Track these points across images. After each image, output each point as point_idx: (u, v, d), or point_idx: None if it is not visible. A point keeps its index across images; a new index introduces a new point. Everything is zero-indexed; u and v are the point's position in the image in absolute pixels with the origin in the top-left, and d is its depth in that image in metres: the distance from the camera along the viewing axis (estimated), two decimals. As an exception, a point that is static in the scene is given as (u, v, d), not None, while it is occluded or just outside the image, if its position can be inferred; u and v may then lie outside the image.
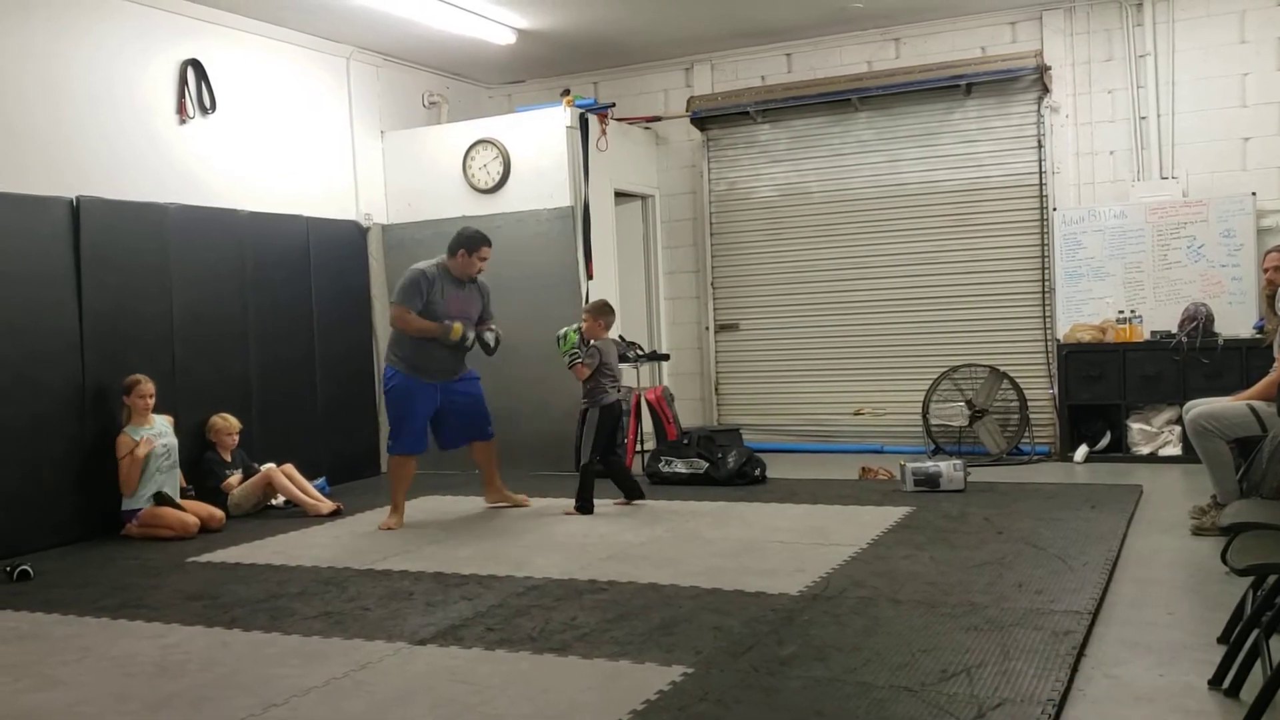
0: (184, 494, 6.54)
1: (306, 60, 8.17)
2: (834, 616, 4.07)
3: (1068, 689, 3.28)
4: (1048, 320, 8.26)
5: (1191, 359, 7.48)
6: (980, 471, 7.27)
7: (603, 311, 6.70)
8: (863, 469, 7.55)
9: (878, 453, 8.47)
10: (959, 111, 8.47)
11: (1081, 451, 7.82)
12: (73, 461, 6.30)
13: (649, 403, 8.22)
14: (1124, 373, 7.73)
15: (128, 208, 6.70)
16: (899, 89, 8.47)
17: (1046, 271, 8.26)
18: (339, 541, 6.00)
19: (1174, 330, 7.63)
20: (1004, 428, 8.21)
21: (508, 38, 8.26)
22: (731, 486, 7.18)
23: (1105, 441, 7.88)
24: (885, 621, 3.99)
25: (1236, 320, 7.54)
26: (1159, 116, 7.91)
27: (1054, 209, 8.17)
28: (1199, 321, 7.50)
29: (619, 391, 6.74)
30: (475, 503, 6.98)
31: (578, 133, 8.23)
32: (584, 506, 6.45)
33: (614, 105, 8.82)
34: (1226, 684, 3.20)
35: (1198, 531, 5.30)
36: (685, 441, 7.69)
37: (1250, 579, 3.44)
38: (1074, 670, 3.44)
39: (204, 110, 7.32)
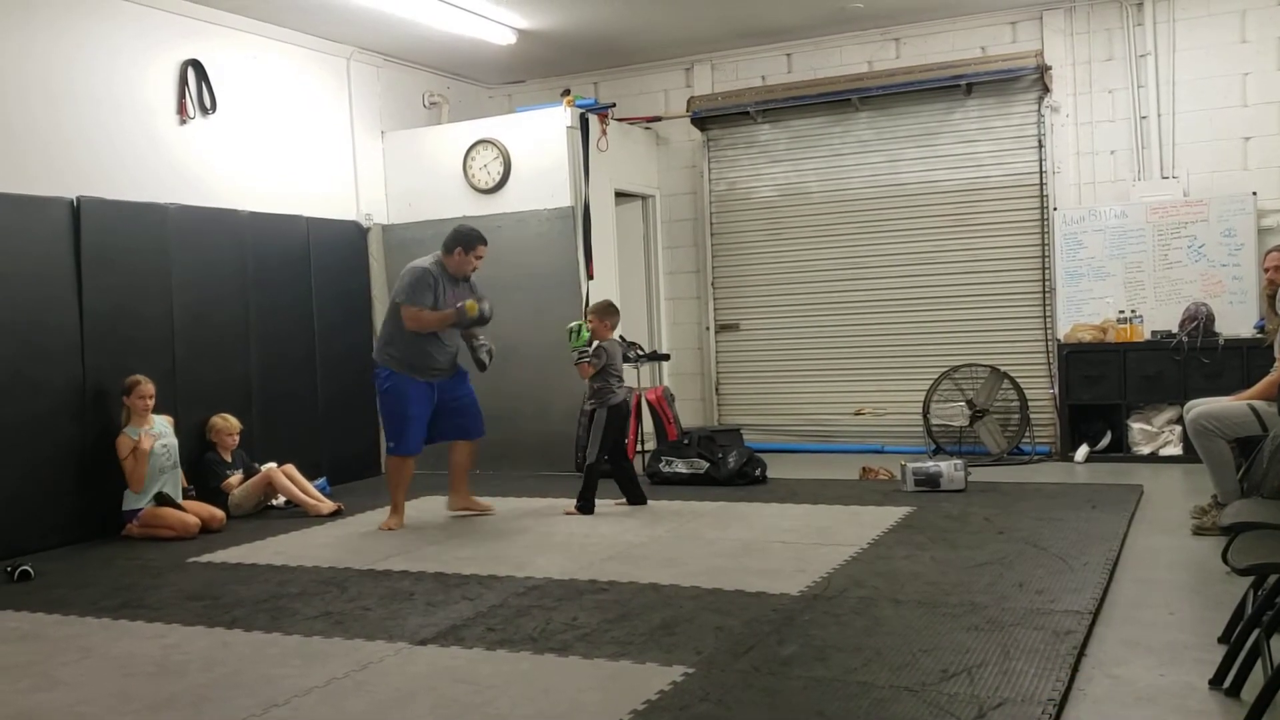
0: (186, 494, 6.55)
1: (307, 60, 8.18)
2: (835, 616, 4.07)
3: (1068, 689, 3.28)
4: (1048, 320, 8.26)
5: (1192, 359, 7.48)
6: (981, 471, 7.27)
7: (608, 312, 6.70)
8: (863, 469, 7.55)
9: (878, 453, 8.47)
10: (959, 111, 8.47)
11: (1082, 451, 7.81)
12: (73, 462, 6.30)
13: (649, 403, 8.22)
14: (1125, 372, 7.73)
15: (128, 208, 6.70)
16: (899, 89, 8.47)
17: (1047, 271, 8.26)
18: (340, 542, 6.00)
19: (1175, 330, 7.63)
20: (1005, 428, 8.21)
21: (508, 38, 8.26)
22: (732, 487, 7.18)
23: (1106, 441, 7.88)
24: (886, 621, 3.99)
25: (1237, 320, 7.54)
26: (1159, 116, 7.91)
27: (1054, 209, 8.17)
28: (1200, 321, 7.50)
29: (625, 392, 6.73)
30: (476, 503, 6.98)
31: (578, 133, 8.23)
32: (585, 506, 6.45)
33: (614, 105, 8.82)
34: (1227, 684, 3.20)
35: (1198, 531, 5.30)
36: (686, 441, 7.69)
37: (1251, 579, 3.45)
38: (1075, 670, 3.44)
39: (204, 111, 7.32)
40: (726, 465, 7.32)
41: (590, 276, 8.21)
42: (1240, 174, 7.73)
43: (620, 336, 6.77)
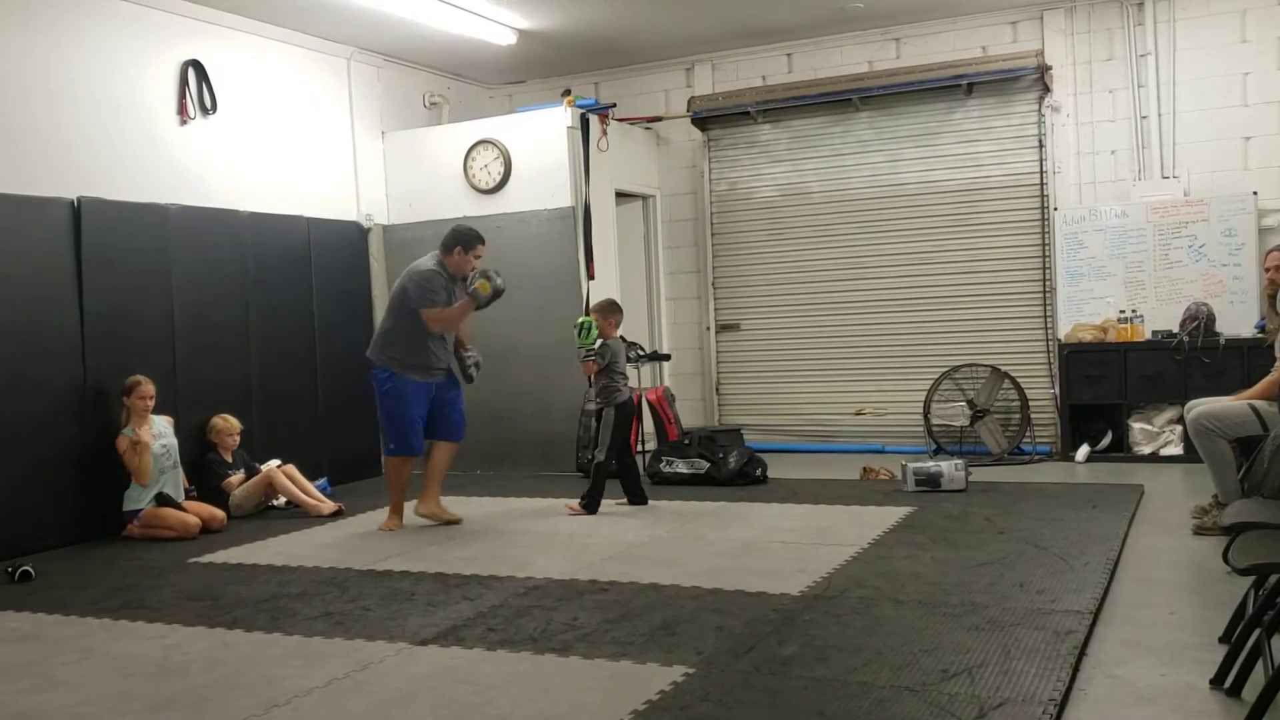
0: (187, 495, 6.55)
1: (307, 61, 8.18)
2: (835, 616, 4.07)
3: (1069, 689, 3.28)
4: (1049, 320, 8.26)
5: (1193, 358, 7.48)
6: (981, 471, 7.27)
7: (611, 310, 6.69)
8: (864, 469, 7.55)
9: (879, 453, 8.47)
10: (960, 111, 8.47)
11: (1083, 451, 7.81)
12: (74, 462, 6.30)
13: (650, 403, 8.22)
14: (1125, 372, 7.73)
15: (128, 208, 6.70)
16: (900, 89, 8.47)
17: (1047, 271, 8.26)
18: (340, 542, 6.00)
19: (1175, 330, 7.63)
20: (1005, 427, 8.21)
21: (508, 38, 8.26)
22: (733, 487, 7.18)
23: (1106, 441, 7.88)
24: (886, 621, 3.99)
25: (1238, 320, 7.54)
26: (1160, 116, 7.91)
27: (1055, 208, 8.17)
28: (1200, 321, 7.49)
29: (629, 390, 6.73)
30: (475, 503, 6.98)
31: (578, 133, 8.23)
32: (590, 505, 6.44)
33: (615, 105, 8.82)
34: (1228, 684, 3.20)
35: (1199, 531, 5.29)
36: (686, 442, 7.69)
37: (1252, 578, 3.44)
38: (1075, 670, 3.44)
39: (205, 111, 7.32)
40: (727, 465, 7.32)
41: (591, 277, 8.21)
42: (1241, 174, 7.73)
43: (620, 336, 6.76)
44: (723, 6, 7.97)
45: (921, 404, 8.27)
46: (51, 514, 6.16)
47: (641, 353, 8.18)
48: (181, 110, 7.18)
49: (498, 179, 8.40)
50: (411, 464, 6.35)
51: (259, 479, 6.91)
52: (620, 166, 8.80)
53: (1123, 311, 7.84)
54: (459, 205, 8.47)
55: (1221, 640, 3.60)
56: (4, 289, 6.01)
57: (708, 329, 9.42)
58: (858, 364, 8.88)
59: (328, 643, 4.07)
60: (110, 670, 3.89)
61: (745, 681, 3.42)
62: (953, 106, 8.47)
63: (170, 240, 6.93)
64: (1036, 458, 8.08)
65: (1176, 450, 7.57)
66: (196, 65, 7.26)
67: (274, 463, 7.07)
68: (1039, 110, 8.25)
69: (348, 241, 8.43)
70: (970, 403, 8.11)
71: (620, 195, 8.90)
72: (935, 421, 8.23)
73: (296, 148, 8.04)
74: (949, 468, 6.68)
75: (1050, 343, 8.24)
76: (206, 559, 5.68)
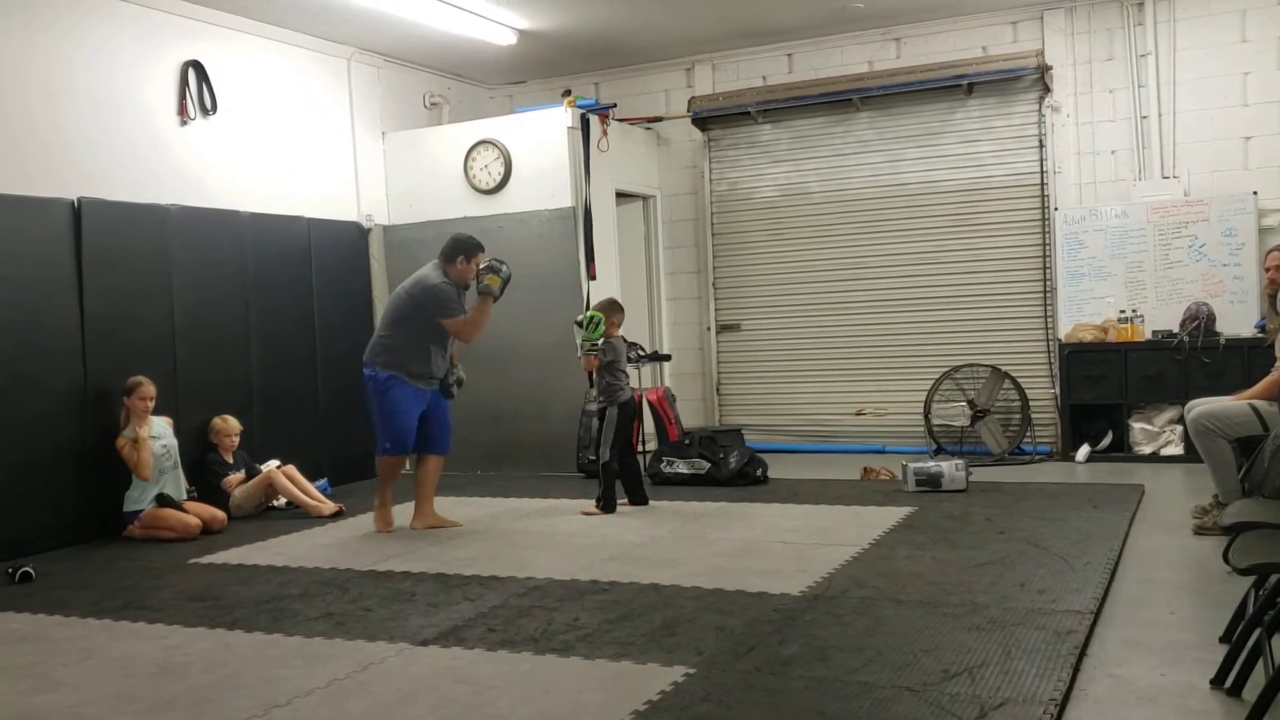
0: (189, 496, 6.55)
1: (307, 61, 8.18)
2: (836, 617, 4.07)
3: (1070, 689, 3.28)
4: (1049, 320, 8.26)
5: (1193, 358, 7.48)
6: (982, 471, 7.27)
7: (613, 310, 6.69)
8: (864, 469, 7.55)
9: (879, 453, 8.47)
10: (960, 111, 8.47)
11: (1083, 451, 7.81)
12: (74, 463, 6.30)
13: (651, 403, 8.22)
14: (1125, 372, 7.73)
15: (129, 209, 6.70)
16: (900, 89, 8.47)
17: (1048, 271, 8.26)
18: (341, 543, 6.00)
19: (1175, 330, 7.63)
20: (1006, 428, 8.21)
21: (508, 38, 8.26)
22: (733, 487, 7.18)
23: (1107, 441, 7.87)
24: (887, 621, 3.99)
25: (1238, 320, 7.54)
26: (1160, 116, 7.91)
27: (1055, 208, 8.17)
28: (1200, 321, 7.49)
29: (630, 390, 6.73)
30: (476, 504, 6.98)
31: (579, 133, 8.23)
32: (607, 505, 6.44)
33: (615, 106, 8.82)
34: (1229, 684, 3.20)
35: (1199, 531, 5.29)
36: (687, 442, 7.69)
37: (1252, 578, 3.44)
38: (1076, 670, 3.44)
39: (205, 111, 7.32)
40: (728, 465, 7.32)
41: (593, 277, 8.20)
42: (1241, 173, 7.73)
43: (621, 336, 6.76)
44: (723, 6, 7.97)
45: (922, 404, 8.27)
46: (52, 515, 6.16)
47: (642, 353, 8.18)
48: (182, 111, 7.18)
49: (498, 179, 8.40)
50: (403, 463, 6.35)
51: (259, 480, 6.92)
52: (621, 167, 8.80)
53: (1123, 311, 7.84)
54: (459, 206, 8.47)
55: (1222, 640, 3.60)
56: (5, 289, 6.01)
57: (708, 329, 9.42)
58: (858, 364, 8.88)
59: (328, 643, 4.07)
60: (111, 671, 3.89)
61: (746, 682, 3.42)
62: (953, 106, 8.47)
63: (171, 241, 6.94)
64: (1037, 458, 8.08)
65: (1177, 450, 7.57)
66: (197, 66, 7.26)
67: (273, 463, 7.07)
68: (1039, 110, 8.25)
69: (348, 242, 8.43)
70: (971, 403, 8.11)
71: (621, 195, 8.90)
72: (936, 421, 8.23)
73: (297, 148, 8.05)
74: (950, 468, 6.68)
75: (1051, 343, 8.24)
76: (207, 560, 5.68)
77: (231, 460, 6.99)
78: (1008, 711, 3.07)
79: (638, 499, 6.64)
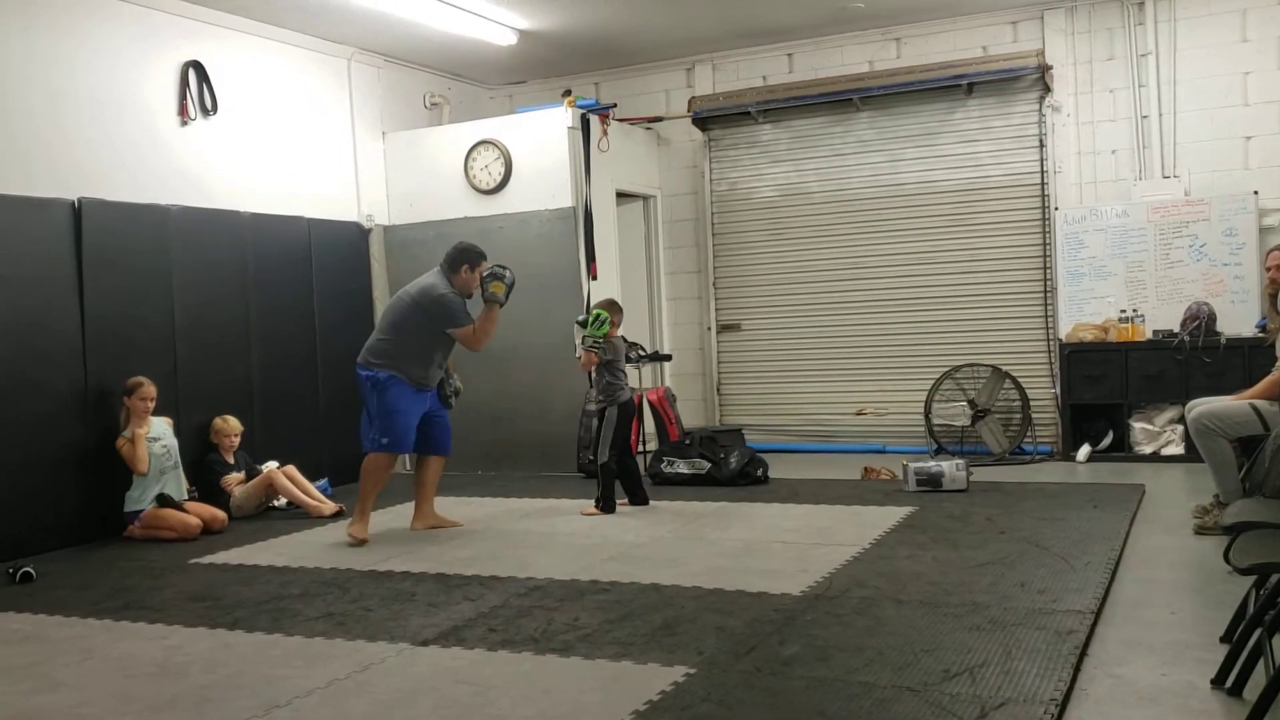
0: (190, 496, 6.55)
1: (308, 61, 8.18)
2: (836, 617, 4.07)
3: (1070, 689, 3.28)
4: (1050, 320, 8.26)
5: (1194, 358, 7.48)
6: (983, 471, 7.27)
7: (613, 310, 6.69)
8: (865, 469, 7.54)
9: (880, 453, 8.47)
10: (960, 111, 8.47)
11: (1084, 451, 7.81)
12: (75, 463, 6.30)
13: (651, 403, 8.22)
14: (1126, 372, 7.72)
15: (129, 209, 6.70)
16: (900, 89, 8.47)
17: (1048, 271, 8.26)
18: (341, 543, 6.00)
19: (1176, 329, 7.63)
20: (1006, 427, 8.20)
21: (509, 38, 8.26)
22: (734, 487, 7.18)
23: (1107, 441, 7.87)
24: (888, 621, 3.99)
25: (1239, 319, 7.53)
26: (1160, 115, 7.91)
27: (1056, 208, 8.17)
28: (1201, 320, 7.49)
29: (629, 389, 6.73)
30: (476, 504, 6.98)
31: (579, 133, 8.23)
32: (607, 506, 6.44)
33: (615, 106, 8.82)
34: (1229, 683, 3.20)
35: (1200, 531, 5.29)
36: (687, 442, 7.68)
37: (1253, 578, 3.44)
38: (1077, 670, 3.43)
39: (205, 112, 7.32)
40: (728, 465, 7.32)
41: (593, 277, 8.20)
42: (1241, 173, 7.73)
43: (621, 336, 6.77)
44: (723, 6, 7.97)
45: (922, 404, 8.27)
46: (52, 515, 6.16)
47: (642, 353, 8.19)
48: (182, 111, 7.18)
49: (498, 179, 8.39)
50: (392, 466, 6.33)
51: (260, 480, 6.92)
52: (621, 167, 8.80)
53: (1123, 311, 7.84)
54: (460, 206, 8.47)
55: (1223, 640, 3.59)
56: (5, 290, 6.01)
57: (708, 329, 9.42)
58: (859, 364, 8.88)
59: (329, 643, 4.07)
60: (111, 671, 3.89)
61: (746, 682, 3.42)
62: (953, 106, 8.47)
63: (171, 241, 6.94)
64: (1037, 457, 8.08)
65: (1177, 450, 7.57)
66: (197, 66, 7.26)
67: (273, 464, 7.06)
68: (1039, 110, 8.25)
69: (348, 242, 8.43)
70: (971, 402, 8.11)
71: (621, 195, 8.90)
72: (936, 421, 8.23)
73: (297, 148, 8.05)
74: (950, 468, 6.68)
75: (1051, 342, 8.24)
76: (207, 560, 5.68)
77: (232, 460, 6.99)
78: (1008, 711, 3.07)
79: (638, 499, 6.64)
